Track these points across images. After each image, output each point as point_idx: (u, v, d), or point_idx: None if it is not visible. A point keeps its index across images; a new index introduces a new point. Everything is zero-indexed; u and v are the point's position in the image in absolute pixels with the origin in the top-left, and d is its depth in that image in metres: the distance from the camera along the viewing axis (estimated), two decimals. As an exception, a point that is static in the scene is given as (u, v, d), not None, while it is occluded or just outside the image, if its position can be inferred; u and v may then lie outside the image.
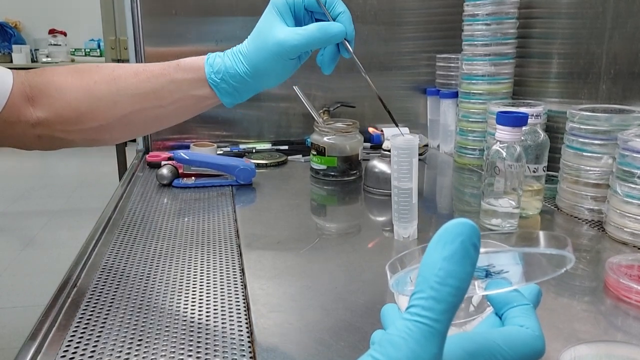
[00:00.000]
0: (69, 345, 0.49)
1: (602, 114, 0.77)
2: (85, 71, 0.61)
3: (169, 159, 1.04)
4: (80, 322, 0.53)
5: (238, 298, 0.58)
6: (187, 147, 1.16)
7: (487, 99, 1.04)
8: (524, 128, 0.73)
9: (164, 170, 0.98)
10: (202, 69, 0.60)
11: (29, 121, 0.59)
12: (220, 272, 0.64)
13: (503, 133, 0.72)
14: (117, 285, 0.61)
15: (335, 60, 0.63)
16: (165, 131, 1.23)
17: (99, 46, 5.22)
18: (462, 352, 0.31)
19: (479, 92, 1.06)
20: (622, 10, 0.86)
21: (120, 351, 0.48)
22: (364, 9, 1.26)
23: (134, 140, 1.26)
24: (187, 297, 0.58)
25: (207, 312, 0.55)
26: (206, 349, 0.49)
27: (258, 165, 1.07)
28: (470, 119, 1.08)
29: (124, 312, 0.55)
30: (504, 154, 0.72)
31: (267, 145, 1.24)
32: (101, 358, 0.47)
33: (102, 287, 0.60)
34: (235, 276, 0.63)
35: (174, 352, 0.48)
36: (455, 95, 1.16)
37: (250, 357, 0.47)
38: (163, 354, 0.48)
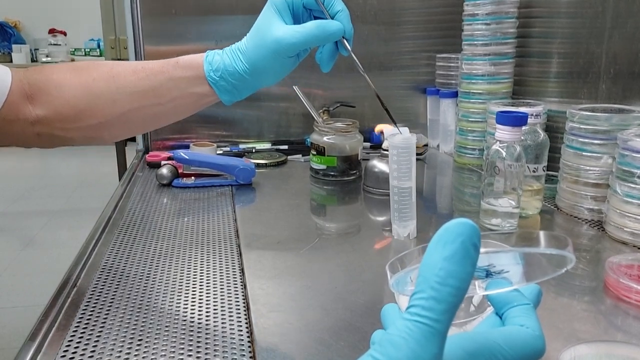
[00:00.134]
0: (68, 345, 0.49)
1: (601, 114, 0.77)
2: (84, 69, 0.61)
3: (169, 158, 1.04)
4: (80, 322, 0.53)
5: (238, 298, 0.58)
6: (187, 147, 1.16)
7: (487, 98, 1.04)
8: (523, 128, 0.73)
9: (164, 170, 0.98)
10: (201, 66, 0.60)
11: (28, 119, 0.59)
12: (220, 272, 0.64)
13: (503, 133, 0.72)
14: (117, 285, 0.61)
15: (334, 58, 0.63)
16: (165, 131, 1.25)
17: (98, 46, 5.22)
18: (463, 352, 0.31)
19: (479, 91, 1.06)
20: (622, 10, 0.86)
21: (120, 351, 0.48)
22: (364, 8, 1.26)
23: (134, 140, 1.26)
24: (187, 297, 0.58)
25: (207, 312, 0.55)
26: (206, 349, 0.49)
27: (258, 165, 1.07)
28: (470, 119, 1.08)
29: (124, 312, 0.55)
30: (504, 153, 0.72)
31: (267, 145, 1.24)
32: (101, 358, 0.47)
33: (102, 287, 0.60)
34: (235, 276, 0.63)
35: (174, 352, 0.48)
36: (455, 95, 1.16)
37: (250, 357, 0.47)
38: (163, 354, 0.48)
